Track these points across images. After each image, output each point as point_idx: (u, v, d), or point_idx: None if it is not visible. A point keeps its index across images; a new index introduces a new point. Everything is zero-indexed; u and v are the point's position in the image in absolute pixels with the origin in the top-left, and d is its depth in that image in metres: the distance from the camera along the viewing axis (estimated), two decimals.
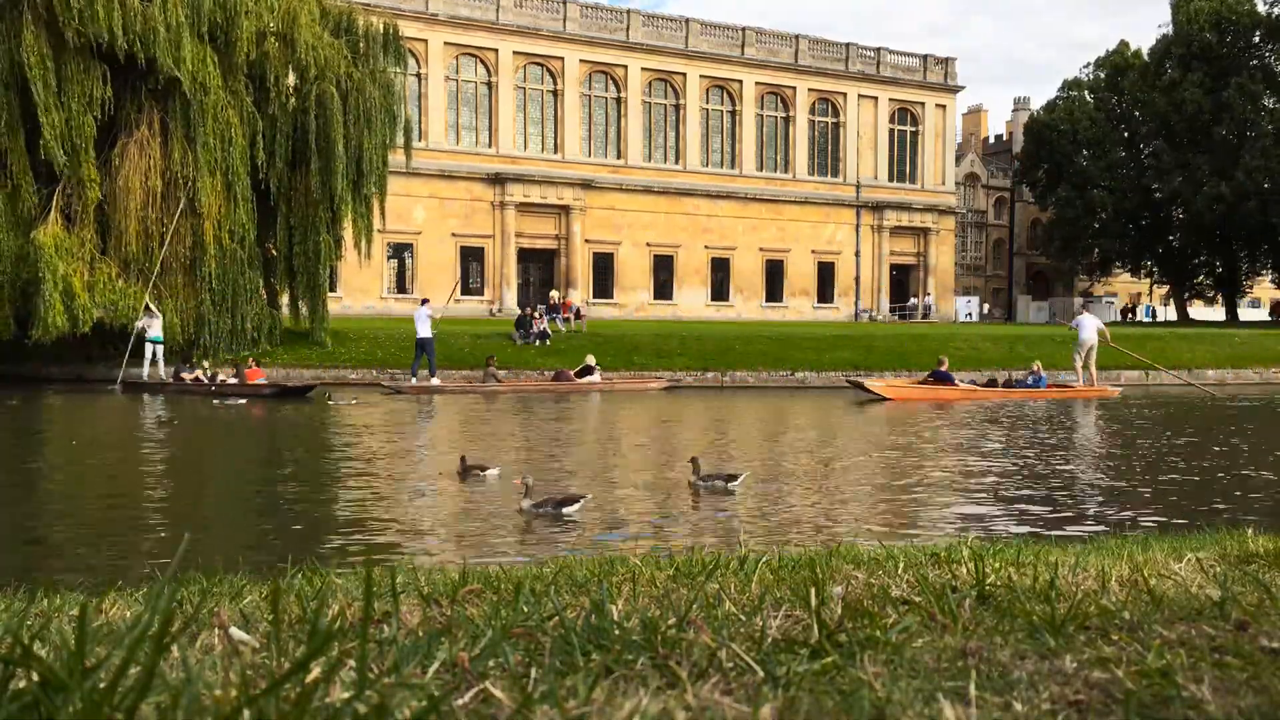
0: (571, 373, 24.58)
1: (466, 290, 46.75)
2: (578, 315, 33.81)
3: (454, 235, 46.19)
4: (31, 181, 22.67)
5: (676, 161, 51.31)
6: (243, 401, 20.03)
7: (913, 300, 56.45)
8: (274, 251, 26.41)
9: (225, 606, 1.84)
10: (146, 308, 23.12)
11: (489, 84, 47.29)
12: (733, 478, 9.05)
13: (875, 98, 55.46)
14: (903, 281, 57.25)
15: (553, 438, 14.56)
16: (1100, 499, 9.28)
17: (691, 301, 50.86)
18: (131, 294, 22.84)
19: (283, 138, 24.79)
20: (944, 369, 24.03)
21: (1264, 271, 62.34)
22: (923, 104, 56.68)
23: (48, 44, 21.61)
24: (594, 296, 48.21)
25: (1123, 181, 58.77)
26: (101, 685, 0.96)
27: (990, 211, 71.35)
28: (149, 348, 23.25)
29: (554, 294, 39.14)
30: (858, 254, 55.05)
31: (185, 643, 1.43)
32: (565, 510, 7.75)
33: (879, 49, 55.83)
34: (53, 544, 7.07)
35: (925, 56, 57.10)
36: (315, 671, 1.09)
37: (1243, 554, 2.49)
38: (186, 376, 22.28)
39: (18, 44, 21.52)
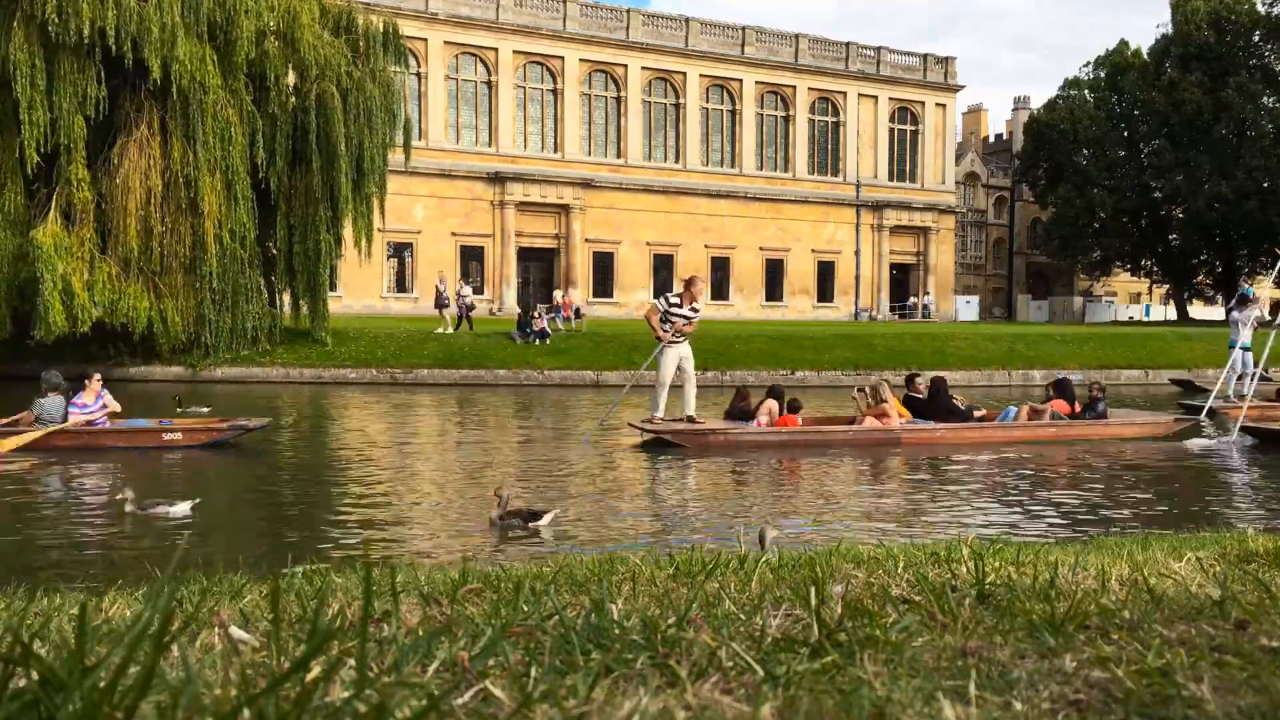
0: None
1: None
2: (577, 314, 33.82)
3: (454, 234, 46.19)
4: (30, 181, 22.65)
5: (676, 161, 51.31)
6: None
7: (912, 300, 56.46)
8: (274, 250, 26.41)
9: (225, 605, 1.84)
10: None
11: (489, 83, 47.28)
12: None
13: (875, 97, 55.46)
14: (903, 281, 57.25)
15: None
16: None
17: None
18: (132, 294, 22.81)
19: (283, 137, 24.78)
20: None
21: (1264, 271, 62.28)
22: (922, 103, 56.67)
23: (38, 43, 21.54)
24: (594, 296, 48.22)
25: (1123, 181, 58.74)
26: (101, 684, 0.96)
27: (990, 211, 71.33)
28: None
29: (557, 294, 39.16)
30: (858, 253, 55.05)
31: (185, 642, 1.43)
32: (533, 524, 7.72)
33: (879, 48, 55.82)
34: None
35: (925, 55, 57.10)
36: (315, 670, 1.09)
37: (1242, 553, 2.50)
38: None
39: (7, 41, 21.47)
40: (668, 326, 13.58)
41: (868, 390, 14.37)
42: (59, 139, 22.07)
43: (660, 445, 13.11)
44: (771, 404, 14.05)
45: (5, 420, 12.88)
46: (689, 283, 14.03)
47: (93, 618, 1.79)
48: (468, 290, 33.12)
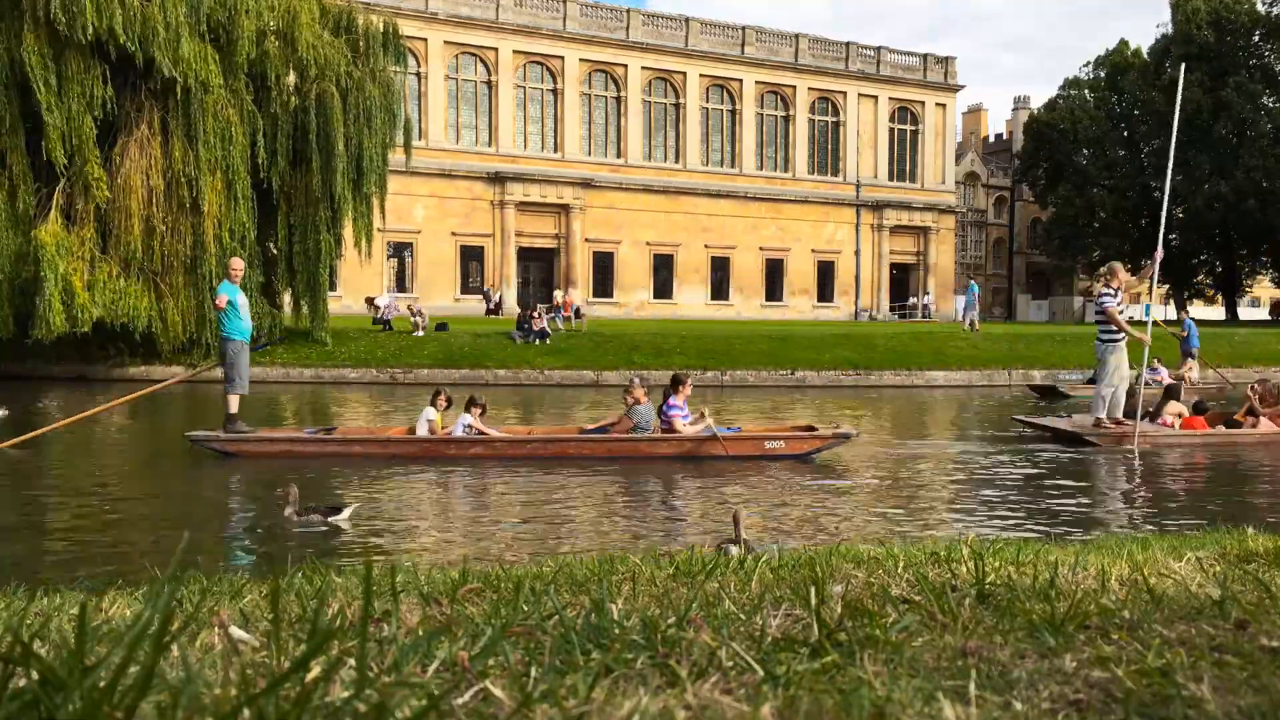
0: None
1: (466, 289, 46.81)
2: (577, 314, 33.81)
3: (454, 234, 46.19)
4: (32, 180, 22.67)
5: (676, 160, 51.30)
6: None
7: (911, 299, 56.46)
8: (274, 250, 26.42)
9: (225, 605, 1.85)
10: None
11: (489, 83, 47.28)
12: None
13: (875, 97, 55.44)
14: (903, 280, 57.24)
15: None
16: None
17: (691, 300, 50.87)
18: (132, 293, 22.81)
19: (283, 136, 24.78)
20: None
21: (1264, 271, 62.29)
22: (923, 103, 56.66)
23: (48, 43, 21.61)
24: (594, 296, 48.21)
25: (1122, 180, 58.73)
26: (101, 684, 0.96)
27: (990, 210, 71.34)
28: None
29: (558, 294, 39.08)
30: (858, 253, 55.04)
31: (185, 641, 1.43)
32: (333, 519, 7.68)
33: (879, 48, 55.81)
34: None
35: (925, 55, 57.09)
36: (315, 670, 1.09)
37: (1242, 553, 2.50)
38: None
39: (18, 43, 21.51)
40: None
41: (1270, 386, 14.00)
42: (71, 139, 22.13)
43: (1067, 443, 13.03)
44: (1176, 405, 13.81)
45: (593, 425, 12.32)
46: (1113, 272, 13.29)
47: (93, 618, 1.79)
48: (385, 300, 31.91)
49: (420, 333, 28.62)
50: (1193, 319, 25.88)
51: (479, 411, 11.95)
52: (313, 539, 7.33)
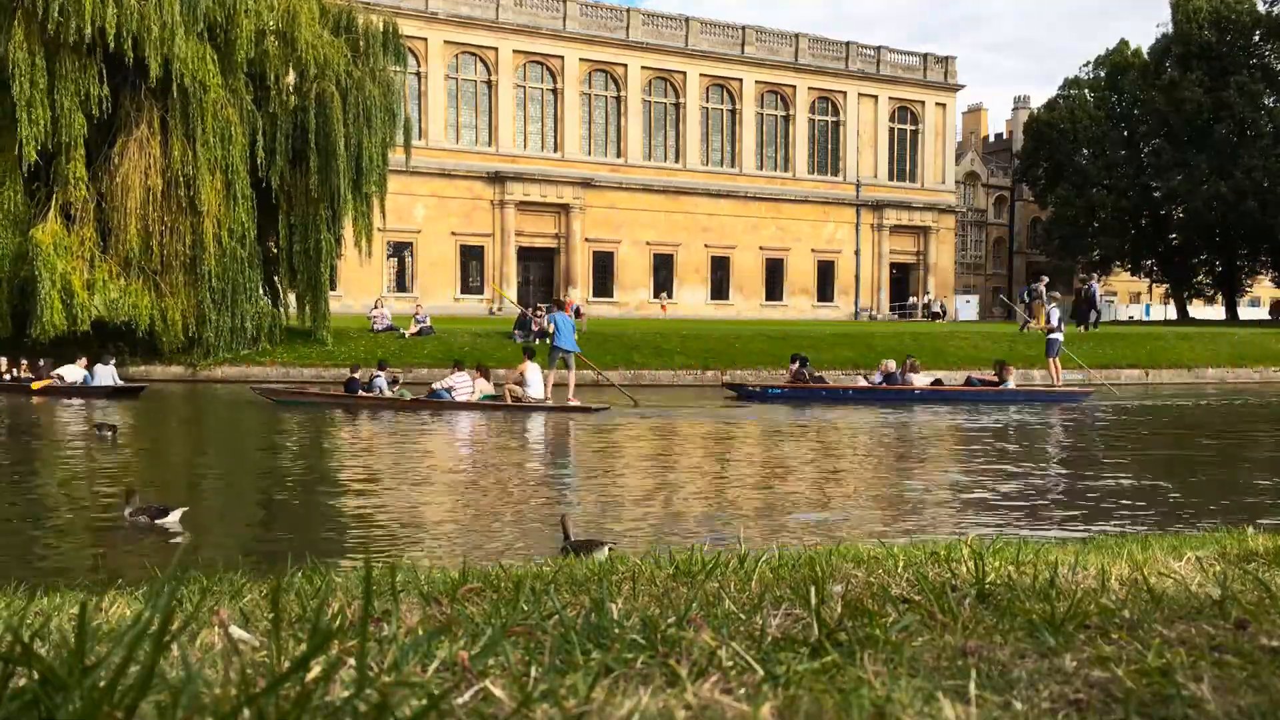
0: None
1: (466, 289, 46.82)
2: (577, 314, 33.77)
3: (454, 234, 46.18)
4: (31, 180, 22.68)
5: (676, 160, 51.28)
6: None
7: (911, 299, 56.41)
8: (275, 250, 26.41)
9: (225, 605, 1.84)
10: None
11: (489, 82, 47.27)
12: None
13: (875, 96, 55.43)
14: (903, 280, 57.23)
15: None
16: None
17: (691, 300, 50.85)
18: (133, 293, 22.81)
19: (283, 136, 24.77)
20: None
21: (1264, 271, 62.26)
22: (923, 102, 56.65)
23: (39, 41, 21.57)
24: (594, 295, 48.20)
25: (1122, 180, 58.71)
26: (101, 684, 0.96)
27: (990, 210, 71.31)
28: None
29: (572, 292, 38.36)
30: (858, 253, 55.03)
31: (185, 641, 1.43)
32: (160, 520, 7.60)
33: (879, 48, 55.79)
34: None
35: (925, 55, 57.08)
36: (315, 670, 1.08)
37: (1242, 553, 2.50)
38: None
39: (7, 40, 21.49)
40: None
41: None
42: (60, 138, 22.09)
43: None
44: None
45: None
46: None
47: (93, 617, 1.79)
48: (383, 312, 29.73)
49: (407, 335, 27.84)
50: (573, 308, 18.87)
51: None
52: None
